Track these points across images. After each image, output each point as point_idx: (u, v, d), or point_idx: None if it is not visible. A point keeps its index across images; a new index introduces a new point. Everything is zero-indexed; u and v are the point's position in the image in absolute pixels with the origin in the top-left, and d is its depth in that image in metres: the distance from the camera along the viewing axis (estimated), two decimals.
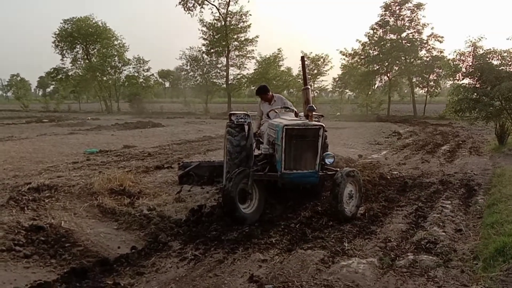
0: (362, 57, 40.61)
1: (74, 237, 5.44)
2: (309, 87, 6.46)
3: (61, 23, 48.76)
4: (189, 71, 49.64)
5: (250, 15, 43.87)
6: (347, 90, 51.72)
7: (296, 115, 7.15)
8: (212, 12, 45.87)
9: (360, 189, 6.26)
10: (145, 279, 4.24)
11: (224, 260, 4.64)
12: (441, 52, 36.76)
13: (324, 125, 5.98)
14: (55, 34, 48.62)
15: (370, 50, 40.03)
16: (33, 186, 7.46)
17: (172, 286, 4.03)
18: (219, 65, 47.36)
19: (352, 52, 41.36)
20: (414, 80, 39.63)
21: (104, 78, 48.90)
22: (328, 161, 6.02)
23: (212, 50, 45.71)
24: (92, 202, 6.87)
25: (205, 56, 47.06)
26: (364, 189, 7.36)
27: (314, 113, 6.37)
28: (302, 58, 6.95)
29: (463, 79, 14.67)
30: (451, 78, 16.07)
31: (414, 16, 37.69)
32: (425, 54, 38.07)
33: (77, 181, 8.18)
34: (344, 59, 43.27)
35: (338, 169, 6.36)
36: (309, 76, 45.10)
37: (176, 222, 6.05)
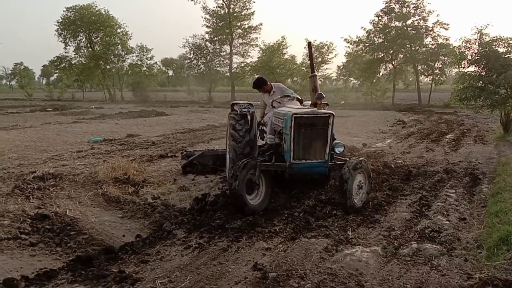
0: (367, 44, 40.32)
1: (79, 225, 5.48)
2: (317, 74, 6.36)
3: (64, 11, 48.72)
4: (192, 59, 49.46)
5: (254, 2, 43.70)
6: (351, 78, 51.50)
7: (301, 103, 6.97)
8: None
9: (369, 175, 6.18)
10: (150, 267, 4.27)
11: (228, 248, 4.66)
12: (447, 39, 36.53)
13: (334, 113, 5.82)
14: (58, 22, 48.51)
15: (374, 38, 39.74)
16: (38, 175, 7.52)
17: (176, 274, 4.06)
18: (222, 53, 47.27)
19: (357, 39, 41.09)
20: (419, 68, 39.35)
21: (108, 67, 48.81)
22: (338, 150, 5.98)
23: (215, 38, 45.57)
24: (96, 191, 6.91)
25: (209, 44, 46.90)
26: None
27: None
28: (309, 44, 6.96)
29: (468, 67, 14.51)
30: (457, 66, 15.89)
31: (420, 3, 37.31)
32: (430, 41, 37.85)
33: (81, 170, 8.22)
34: (348, 46, 43.06)
35: (348, 158, 6.28)
36: (313, 64, 44.85)
37: (181, 211, 6.08)
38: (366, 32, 39.78)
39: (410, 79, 49.81)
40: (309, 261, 4.23)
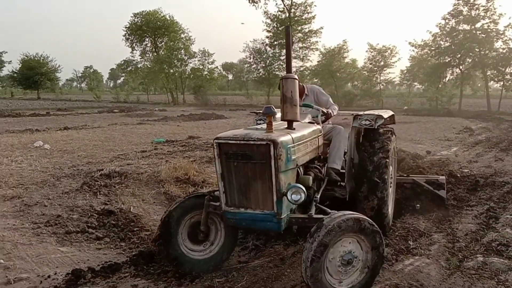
0: (433, 48, 38.85)
1: (142, 222, 5.72)
2: (295, 77, 4.19)
3: (131, 16, 51.08)
4: (252, 63, 50.10)
5: (315, 6, 43.41)
6: (415, 83, 49.86)
7: (327, 117, 5.40)
8: (276, 3, 45.89)
9: (375, 244, 3.57)
10: None
11: (284, 252, 4.66)
12: None
13: (279, 140, 3.52)
14: (125, 27, 50.97)
15: (441, 41, 38.16)
16: (104, 173, 7.91)
17: (234, 274, 4.12)
18: (282, 57, 47.29)
19: (422, 43, 39.72)
20: (488, 73, 37.20)
21: (171, 71, 50.46)
22: (294, 197, 3.51)
23: (275, 42, 45.76)
24: (159, 189, 7.16)
25: (268, 49, 47.20)
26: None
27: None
28: (287, 29, 4.51)
29: None
30: None
31: (490, 5, 35.29)
32: (501, 45, 35.57)
33: (145, 169, 8.54)
34: (413, 50, 41.76)
35: (329, 212, 3.67)
36: (375, 68, 43.94)
37: None
38: (432, 36, 38.35)
39: (479, 85, 47.33)
40: None
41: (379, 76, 44.60)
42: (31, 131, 16.18)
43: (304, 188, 3.52)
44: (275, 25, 44.88)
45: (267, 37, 46.24)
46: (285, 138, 3.66)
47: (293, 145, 3.75)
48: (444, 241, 5.01)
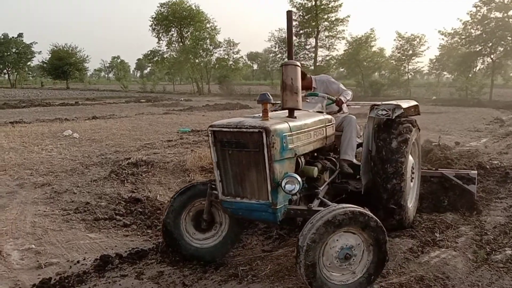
0: (463, 37, 37.85)
1: None
2: (298, 64, 3.98)
3: (157, 6, 51.35)
4: (277, 53, 49.83)
5: None
6: (444, 73, 48.75)
7: (340, 106, 5.20)
8: None
9: (377, 240, 3.35)
10: (232, 253, 4.41)
11: None
12: None
13: (272, 128, 3.37)
14: (152, 17, 51.35)
15: (472, 30, 37.16)
16: (132, 161, 8.07)
17: (257, 262, 4.16)
18: (307, 47, 46.93)
19: (452, 31, 38.69)
20: None
21: (197, 61, 50.70)
22: (287, 187, 3.43)
23: (301, 31, 45.37)
24: (184, 178, 7.26)
25: (294, 38, 46.75)
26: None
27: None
28: (288, 13, 4.23)
29: None
30: None
31: None
32: None
33: (171, 158, 8.66)
34: (442, 39, 40.72)
35: (329, 204, 3.68)
36: (404, 57, 43.09)
37: None
38: (463, 24, 37.36)
39: (511, 74, 45.88)
40: (392, 261, 4.10)
41: (407, 65, 43.78)
42: (60, 120, 16.62)
43: (299, 179, 3.41)
44: (301, 14, 44.44)
45: (293, 26, 45.83)
46: (280, 126, 3.51)
47: (290, 133, 3.59)
48: (471, 234, 4.91)
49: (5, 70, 67.28)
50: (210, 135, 3.59)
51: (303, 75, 5.12)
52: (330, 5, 43.28)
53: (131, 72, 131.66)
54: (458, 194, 5.94)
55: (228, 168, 3.61)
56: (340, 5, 43.16)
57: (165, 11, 50.75)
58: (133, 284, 3.76)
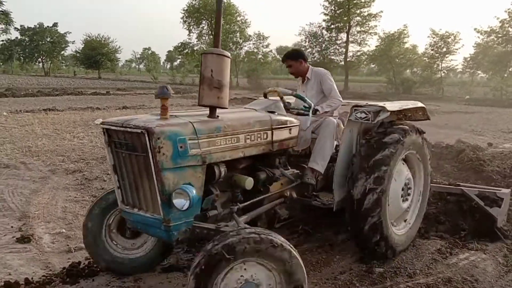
0: (500, 35, 36.70)
1: None
2: (228, 55, 3.40)
3: None
4: (307, 47, 49.42)
5: None
6: (479, 72, 47.33)
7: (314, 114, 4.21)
8: None
9: (284, 270, 2.62)
10: None
11: (333, 238, 4.63)
12: None
13: (161, 129, 2.79)
14: (183, 10, 51.68)
15: (509, 28, 35.95)
16: None
17: None
18: (338, 41, 46.43)
19: (489, 29, 37.54)
20: None
21: None
22: (176, 203, 2.79)
23: (332, 26, 44.99)
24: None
25: (325, 32, 46.41)
26: (493, 182, 6.76)
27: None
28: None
29: None
30: None
31: None
32: None
33: None
34: (478, 37, 39.60)
35: (243, 226, 3.06)
36: (437, 55, 42.10)
37: None
38: (500, 22, 36.26)
39: None
40: (419, 261, 4.05)
41: (440, 63, 42.78)
42: (92, 109, 16.99)
43: (192, 193, 2.75)
44: (333, 8, 43.99)
45: (324, 20, 45.42)
46: (174, 128, 2.88)
47: (194, 137, 2.95)
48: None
49: (39, 59, 69.27)
50: (104, 133, 3.10)
51: (298, 56, 4.76)
52: (363, 0, 42.66)
53: (161, 63, 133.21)
54: (478, 218, 4.85)
55: (124, 173, 3.11)
56: (373, 0, 42.54)
57: (197, 4, 51.01)
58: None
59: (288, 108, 4.06)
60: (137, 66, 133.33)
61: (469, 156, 8.24)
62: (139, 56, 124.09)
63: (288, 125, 3.83)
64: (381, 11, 43.39)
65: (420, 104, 4.50)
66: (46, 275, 3.68)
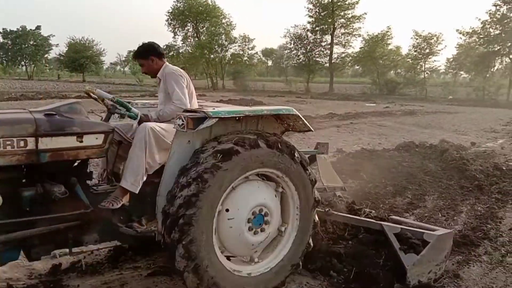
0: (481, 36, 37.27)
1: None
2: None
3: (174, 1, 51.43)
4: (292, 49, 49.80)
5: None
6: (461, 72, 48.02)
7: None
8: None
9: None
10: None
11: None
12: None
13: None
14: (168, 12, 51.50)
15: (491, 29, 36.59)
16: None
17: None
18: (323, 43, 46.77)
19: (470, 30, 38.14)
20: None
21: (212, 56, 50.65)
22: None
23: (317, 28, 45.27)
24: None
25: (310, 34, 46.73)
26: (476, 181, 6.87)
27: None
28: None
29: None
30: None
31: None
32: None
33: None
34: (460, 38, 40.20)
35: None
36: (420, 56, 42.69)
37: None
38: (482, 23, 36.79)
39: None
40: None
41: (423, 64, 43.28)
42: None
43: None
44: (317, 10, 44.29)
45: (308, 22, 45.73)
46: None
47: None
48: (486, 235, 4.85)
49: (22, 62, 68.33)
50: None
51: (154, 55, 3.94)
52: (347, 2, 43.10)
53: None
54: (390, 267, 3.73)
55: None
56: (357, 2, 42.99)
57: (181, 6, 50.86)
58: None
59: (112, 112, 3.58)
60: (122, 69, 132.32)
61: (453, 156, 8.37)
62: (124, 58, 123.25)
63: (75, 132, 3.03)
64: (365, 13, 43.81)
65: (287, 111, 3.43)
66: (30, 281, 3.62)
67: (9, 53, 66.15)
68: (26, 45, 64.46)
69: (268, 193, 3.37)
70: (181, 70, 3.99)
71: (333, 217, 4.29)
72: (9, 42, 65.34)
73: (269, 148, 3.20)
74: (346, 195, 5.14)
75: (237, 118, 3.28)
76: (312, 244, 3.64)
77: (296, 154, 3.36)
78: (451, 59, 46.65)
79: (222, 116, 3.07)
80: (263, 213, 3.29)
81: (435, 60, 44.26)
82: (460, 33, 39.04)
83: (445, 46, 43.69)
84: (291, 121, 3.61)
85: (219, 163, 2.97)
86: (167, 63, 4.02)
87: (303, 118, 3.50)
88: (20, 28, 64.30)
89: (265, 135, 3.28)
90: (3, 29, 63.98)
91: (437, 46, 41.71)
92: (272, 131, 3.53)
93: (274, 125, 3.63)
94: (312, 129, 3.72)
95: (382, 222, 4.00)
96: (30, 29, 64.66)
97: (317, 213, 3.75)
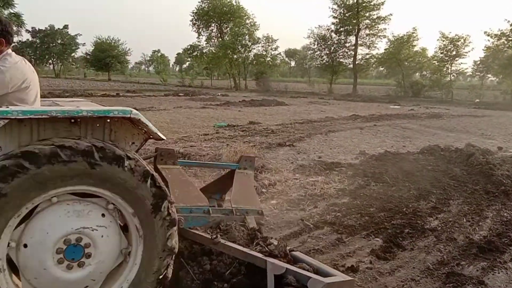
0: (510, 38, 36.35)
1: None
2: None
3: (199, 2, 51.89)
4: (316, 50, 49.58)
5: None
6: (489, 75, 47.02)
7: None
8: None
9: None
10: None
11: None
12: None
13: None
14: (193, 12, 51.97)
15: None
16: None
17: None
18: (347, 44, 46.46)
19: (499, 32, 37.26)
20: None
21: (235, 56, 50.85)
22: None
23: (341, 29, 45.00)
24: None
25: (334, 35, 46.48)
26: (503, 186, 6.71)
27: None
28: None
29: None
30: None
31: None
32: None
33: (207, 152, 8.79)
34: (488, 40, 39.28)
35: None
36: (447, 58, 41.95)
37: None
38: (511, 25, 35.89)
39: None
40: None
41: (450, 66, 42.51)
42: None
43: None
44: (342, 11, 44.00)
45: (333, 23, 45.49)
46: None
47: None
48: None
49: (50, 61, 70.00)
50: None
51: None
52: (372, 3, 42.65)
53: (171, 66, 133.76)
54: None
55: None
56: (383, 3, 42.49)
57: (206, 6, 51.23)
58: None
59: None
60: (146, 69, 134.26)
61: (479, 160, 8.19)
62: (148, 58, 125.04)
63: None
64: (391, 14, 43.39)
65: (121, 113, 2.59)
66: None
67: (38, 52, 67.89)
68: (54, 44, 66.08)
69: (90, 217, 2.53)
70: (20, 63, 3.14)
71: (220, 247, 3.28)
72: (37, 40, 67.06)
73: (77, 158, 2.35)
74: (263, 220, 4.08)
75: (72, 120, 2.54)
76: (168, 275, 2.82)
77: (126, 163, 2.49)
78: (478, 62, 45.75)
79: (14, 117, 2.27)
80: (82, 244, 2.48)
81: (461, 63, 43.42)
82: (488, 35, 38.22)
83: (472, 48, 42.83)
84: (144, 127, 2.74)
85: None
86: (9, 51, 3.12)
87: (147, 122, 2.66)
88: (48, 27, 65.93)
89: (74, 141, 2.39)
90: (32, 28, 65.73)
91: (464, 48, 40.91)
92: (131, 139, 2.81)
93: (133, 131, 2.81)
94: (164, 138, 2.88)
95: (269, 259, 3.01)
96: (58, 28, 66.27)
97: (203, 240, 3.29)
